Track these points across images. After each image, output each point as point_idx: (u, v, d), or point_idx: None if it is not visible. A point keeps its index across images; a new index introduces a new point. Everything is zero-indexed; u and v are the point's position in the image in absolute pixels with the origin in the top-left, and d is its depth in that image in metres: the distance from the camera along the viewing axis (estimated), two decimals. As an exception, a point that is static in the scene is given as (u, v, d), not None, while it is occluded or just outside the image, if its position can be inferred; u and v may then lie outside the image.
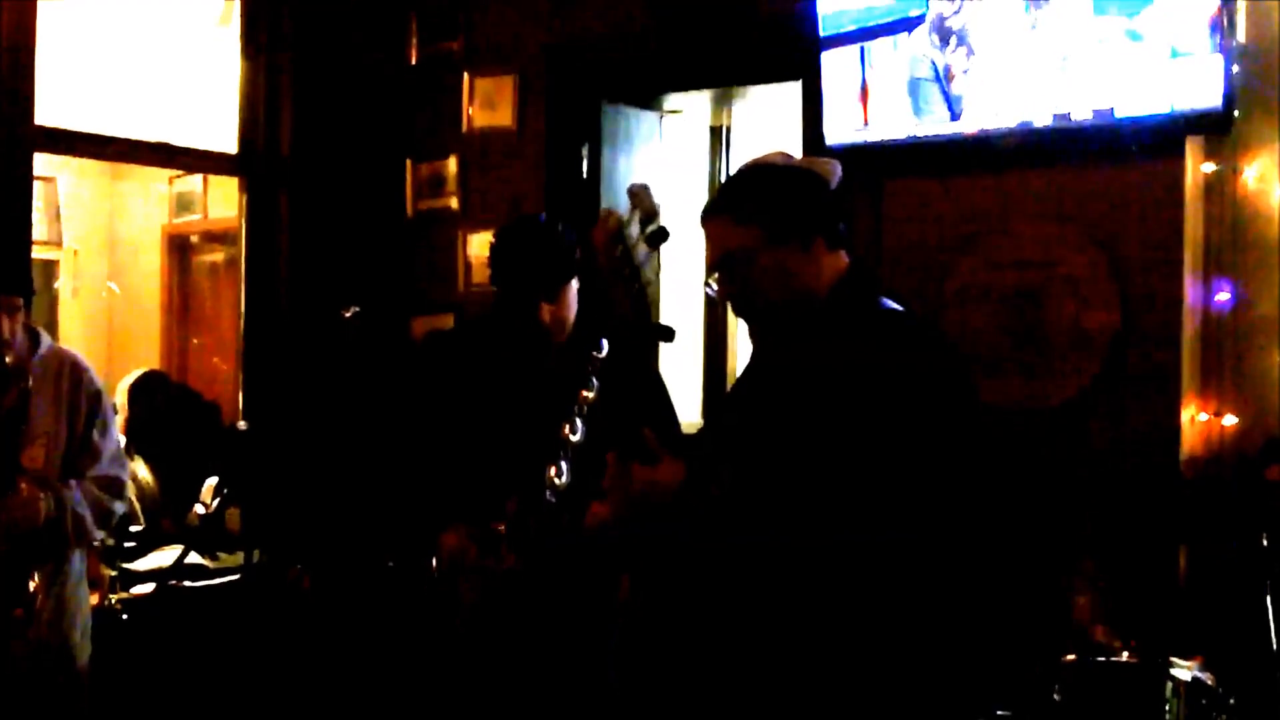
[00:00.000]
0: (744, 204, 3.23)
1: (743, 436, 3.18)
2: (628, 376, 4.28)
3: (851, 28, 5.72)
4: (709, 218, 3.29)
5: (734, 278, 3.24)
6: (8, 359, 4.66)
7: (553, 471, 4.15)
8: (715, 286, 3.29)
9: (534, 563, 4.32)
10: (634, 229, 3.28)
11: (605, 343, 4.20)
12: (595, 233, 3.43)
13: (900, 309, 3.21)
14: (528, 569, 4.34)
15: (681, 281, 7.61)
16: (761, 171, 3.32)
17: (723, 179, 7.87)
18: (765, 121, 7.58)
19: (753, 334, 3.38)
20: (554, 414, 4.17)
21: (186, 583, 5.64)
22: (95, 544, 5.21)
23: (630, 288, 3.28)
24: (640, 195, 3.34)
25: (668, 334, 3.74)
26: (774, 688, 3.01)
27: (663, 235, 3.32)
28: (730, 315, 7.65)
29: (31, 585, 4.62)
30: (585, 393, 4.10)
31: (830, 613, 2.96)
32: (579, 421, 4.12)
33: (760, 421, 3.13)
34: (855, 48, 5.73)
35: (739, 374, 7.47)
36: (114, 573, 5.60)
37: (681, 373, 7.45)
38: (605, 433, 4.01)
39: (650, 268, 3.33)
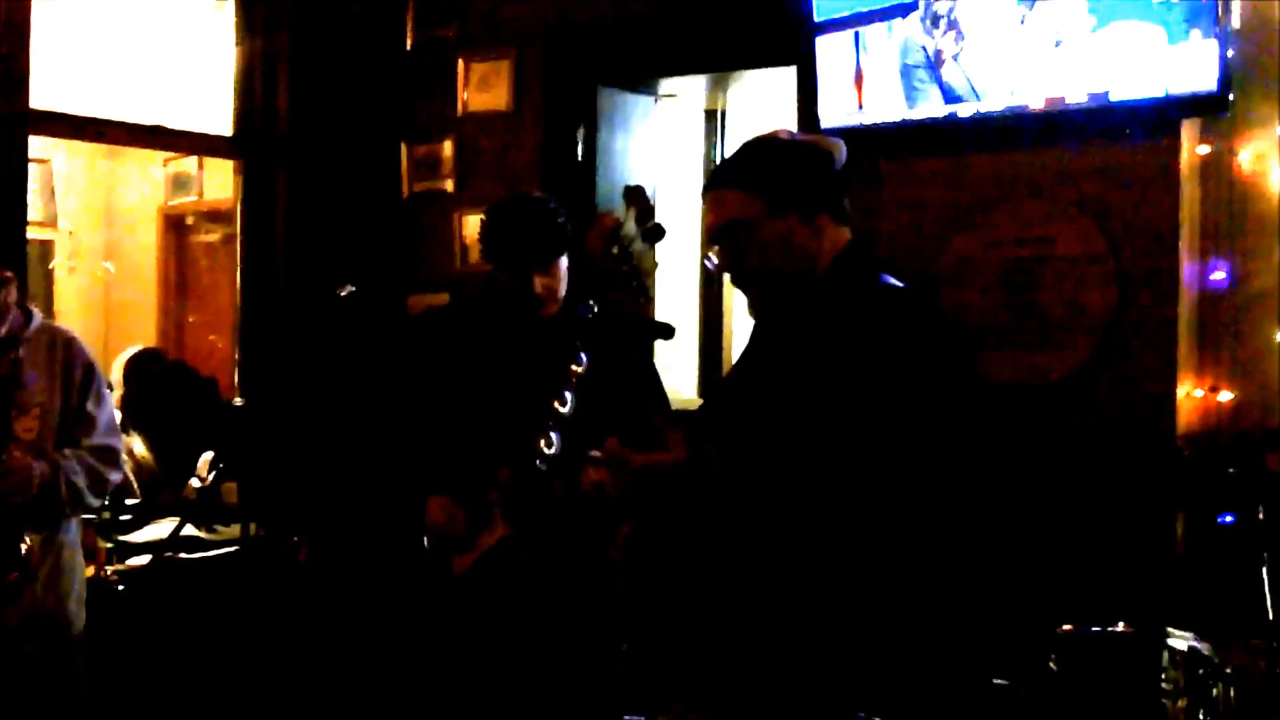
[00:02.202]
0: (748, 174, 3.24)
1: (744, 415, 3.18)
2: (617, 352, 4.31)
3: (846, 12, 5.74)
4: (712, 188, 3.30)
5: (734, 248, 3.24)
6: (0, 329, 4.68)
7: (543, 443, 4.18)
8: (715, 259, 3.30)
9: (527, 529, 4.35)
10: (631, 228, 3.30)
11: (594, 318, 4.24)
12: (591, 235, 3.44)
13: (900, 285, 3.22)
14: (520, 536, 4.36)
15: (677, 261, 7.64)
16: (766, 144, 3.33)
17: (718, 162, 7.89)
18: (760, 105, 7.60)
19: (751, 307, 3.38)
20: (544, 387, 4.20)
21: (183, 555, 5.65)
22: (91, 514, 5.22)
23: (628, 285, 3.29)
24: (636, 194, 3.36)
25: (667, 332, 3.75)
26: (776, 658, 3.03)
27: (659, 233, 3.33)
28: (726, 295, 7.69)
29: (23, 548, 4.63)
30: (574, 366, 4.13)
31: (831, 587, 2.97)
32: (568, 394, 4.15)
33: (761, 399, 3.14)
34: (849, 32, 5.74)
35: (735, 352, 7.51)
36: (110, 545, 5.61)
37: (677, 352, 7.46)
38: (595, 405, 4.05)
39: (648, 264, 3.35)
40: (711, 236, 3.30)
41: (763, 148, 3.32)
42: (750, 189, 3.20)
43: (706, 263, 3.36)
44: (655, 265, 3.39)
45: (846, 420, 2.93)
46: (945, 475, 2.99)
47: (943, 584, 3.05)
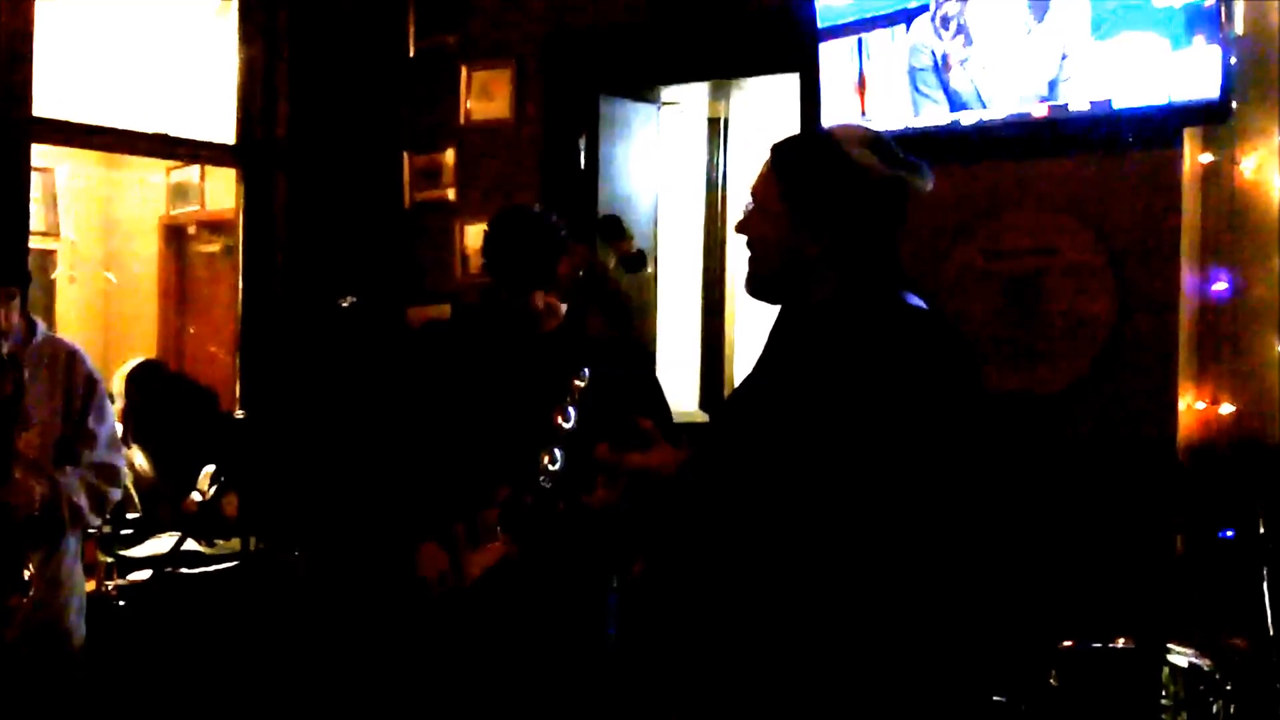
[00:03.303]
0: (790, 172, 3.15)
1: (752, 428, 3.16)
2: (620, 366, 4.30)
3: (849, 19, 5.72)
4: (771, 153, 3.21)
5: (748, 226, 3.21)
6: (4, 348, 4.69)
7: (546, 459, 4.17)
8: (740, 215, 3.25)
9: (529, 547, 4.34)
10: (606, 259, 3.28)
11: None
12: (561, 266, 3.42)
13: (923, 306, 3.15)
14: (522, 553, 4.35)
15: (680, 273, 7.63)
16: (825, 152, 3.16)
17: (722, 171, 7.89)
18: (764, 113, 7.59)
19: (748, 282, 3.31)
20: (546, 402, 4.19)
21: (183, 569, 5.66)
22: (92, 530, 5.23)
23: (606, 310, 3.27)
24: (612, 226, 3.32)
25: (642, 355, 3.72)
26: (774, 672, 3.02)
27: (639, 261, 3.29)
28: (728, 307, 7.68)
29: (27, 573, 4.64)
30: (577, 381, 4.12)
31: (830, 600, 2.96)
32: (571, 410, 4.13)
33: (771, 411, 3.12)
34: (853, 39, 5.73)
35: (737, 365, 7.49)
36: (111, 559, 5.62)
37: (678, 364, 7.46)
38: (597, 421, 4.04)
39: (635, 287, 3.30)
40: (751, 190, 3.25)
41: (819, 155, 3.17)
42: (783, 186, 3.14)
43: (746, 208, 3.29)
44: (653, 287, 3.35)
45: (853, 436, 2.91)
46: (947, 488, 2.98)
47: (943, 598, 3.04)
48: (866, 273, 3.13)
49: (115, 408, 6.02)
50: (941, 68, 5.50)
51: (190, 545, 5.67)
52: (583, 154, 6.88)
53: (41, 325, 4.93)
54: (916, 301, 3.13)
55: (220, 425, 6.53)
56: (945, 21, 5.47)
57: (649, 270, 6.16)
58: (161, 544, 5.79)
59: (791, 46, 5.98)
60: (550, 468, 4.17)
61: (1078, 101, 5.21)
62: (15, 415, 4.70)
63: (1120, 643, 4.45)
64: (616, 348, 4.47)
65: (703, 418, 6.78)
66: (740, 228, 3.25)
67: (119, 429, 5.36)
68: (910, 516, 2.91)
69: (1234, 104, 4.97)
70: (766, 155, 3.23)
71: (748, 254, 3.24)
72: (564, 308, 4.54)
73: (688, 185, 7.86)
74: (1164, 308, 5.27)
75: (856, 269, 3.13)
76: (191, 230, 8.63)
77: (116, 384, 6.42)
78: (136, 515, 6.04)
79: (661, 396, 4.71)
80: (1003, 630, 3.65)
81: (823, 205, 3.11)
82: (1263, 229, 5.13)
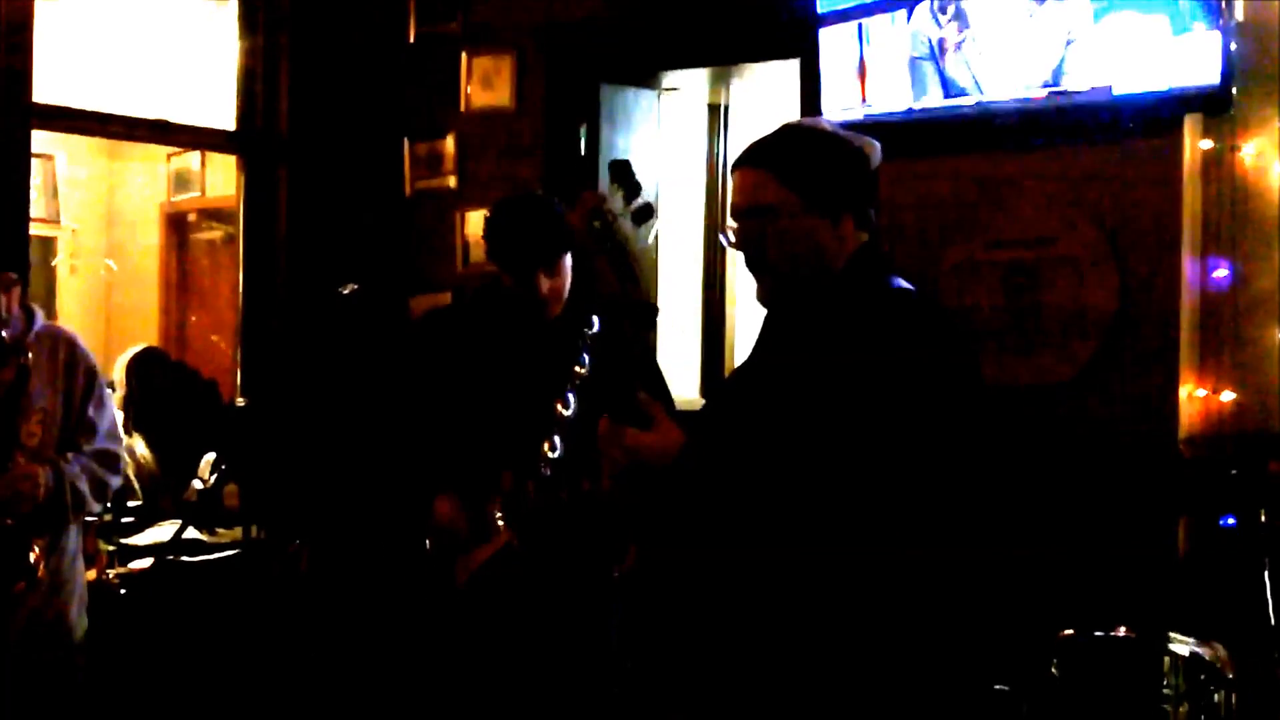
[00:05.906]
0: (786, 164, 3.18)
1: (747, 411, 3.16)
2: (620, 352, 4.29)
3: (850, 4, 5.72)
4: (747, 165, 3.24)
5: (757, 232, 3.20)
6: (5, 335, 4.68)
7: (547, 446, 4.17)
8: (733, 236, 3.25)
9: (531, 536, 4.33)
10: (617, 203, 3.25)
11: (596, 319, 4.22)
12: (572, 215, 3.41)
13: (910, 288, 3.19)
14: (524, 543, 4.35)
15: (680, 259, 7.62)
16: (810, 137, 3.28)
17: (723, 157, 7.87)
18: (764, 99, 7.57)
19: (759, 294, 3.33)
20: (548, 389, 4.19)
21: (184, 558, 5.67)
22: (93, 518, 5.23)
23: (615, 264, 3.24)
24: (622, 170, 3.30)
25: (649, 312, 3.71)
26: (773, 663, 3.02)
27: (647, 212, 3.27)
28: (729, 293, 7.67)
29: (32, 557, 4.65)
30: (578, 369, 4.12)
31: (829, 593, 2.96)
32: (571, 397, 4.13)
33: (765, 396, 3.12)
34: (853, 25, 5.72)
35: (737, 351, 7.47)
36: (112, 548, 5.63)
37: (679, 351, 7.46)
38: (598, 408, 4.03)
39: (639, 241, 3.29)
40: (735, 214, 3.24)
41: (806, 140, 3.26)
42: (785, 180, 3.15)
43: (722, 238, 3.31)
44: (644, 246, 3.31)
45: (846, 421, 2.91)
46: (946, 477, 2.98)
47: (943, 588, 3.04)
48: (862, 257, 3.18)
49: (116, 396, 6.02)
50: (940, 54, 5.49)
51: (191, 534, 5.68)
52: (583, 141, 6.87)
53: (40, 314, 4.92)
54: (902, 283, 3.18)
55: (221, 414, 6.53)
56: (941, 7, 5.46)
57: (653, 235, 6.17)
58: (162, 532, 5.80)
59: (792, 32, 5.98)
60: (551, 455, 4.17)
61: (1078, 87, 5.20)
62: (18, 403, 4.70)
63: (1121, 632, 4.46)
64: (628, 307, 4.45)
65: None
66: (751, 249, 3.24)
67: (119, 417, 5.36)
68: (910, 504, 2.92)
69: (1234, 91, 4.96)
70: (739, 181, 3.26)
71: (766, 270, 3.24)
72: (567, 292, 4.53)
73: (688, 172, 7.84)
74: (1165, 297, 5.27)
75: (856, 251, 3.18)
76: (192, 218, 8.63)
77: (117, 372, 6.42)
78: (137, 504, 6.04)
79: (662, 379, 4.70)
80: (1004, 619, 3.65)
81: (833, 184, 3.17)
82: (1264, 217, 5.13)
